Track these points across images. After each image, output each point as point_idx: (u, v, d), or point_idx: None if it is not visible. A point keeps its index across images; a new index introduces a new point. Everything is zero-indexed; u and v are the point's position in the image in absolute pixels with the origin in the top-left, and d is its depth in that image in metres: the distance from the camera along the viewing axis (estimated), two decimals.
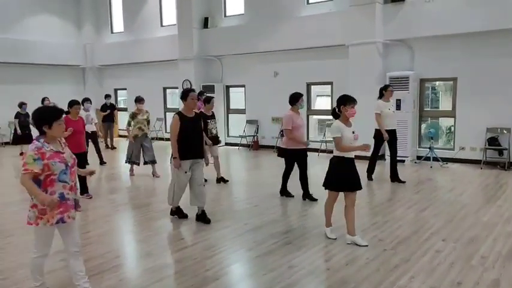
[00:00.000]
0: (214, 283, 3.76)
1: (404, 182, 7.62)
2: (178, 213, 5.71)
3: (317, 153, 10.83)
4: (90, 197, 6.88)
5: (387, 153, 8.55)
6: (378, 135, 7.49)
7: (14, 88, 14.15)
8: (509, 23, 8.48)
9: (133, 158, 8.55)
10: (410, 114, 9.71)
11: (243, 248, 4.62)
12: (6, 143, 13.58)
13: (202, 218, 5.52)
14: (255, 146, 12.62)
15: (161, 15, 14.96)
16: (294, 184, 6.68)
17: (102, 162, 10.07)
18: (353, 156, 4.63)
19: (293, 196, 6.69)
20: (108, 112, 13.04)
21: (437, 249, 4.45)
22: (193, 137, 5.35)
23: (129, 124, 8.52)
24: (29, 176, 3.08)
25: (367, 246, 4.52)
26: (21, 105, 11.94)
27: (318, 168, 7.89)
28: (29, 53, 14.41)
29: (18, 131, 11.75)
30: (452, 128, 9.94)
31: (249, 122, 12.95)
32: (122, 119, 16.06)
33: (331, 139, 4.74)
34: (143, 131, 8.48)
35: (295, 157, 6.43)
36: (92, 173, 3.81)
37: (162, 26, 14.91)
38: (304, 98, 6.75)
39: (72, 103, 6.79)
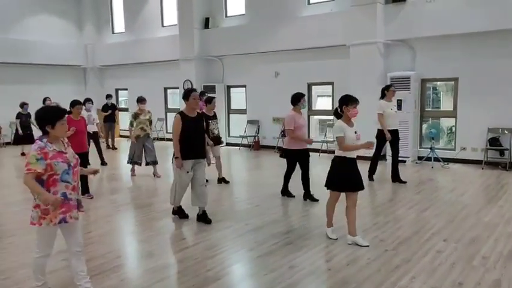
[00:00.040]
0: (215, 283, 3.77)
1: (405, 183, 7.61)
2: (179, 213, 5.72)
3: (318, 154, 10.82)
4: (92, 197, 6.89)
5: (388, 153, 8.54)
6: (380, 136, 7.48)
7: (15, 88, 14.17)
8: (510, 23, 8.47)
9: (135, 158, 8.56)
10: (412, 114, 9.70)
11: (244, 248, 4.62)
12: (7, 143, 13.60)
13: (204, 218, 5.52)
14: (256, 146, 12.62)
15: (162, 15, 14.98)
16: (295, 184, 6.68)
17: (103, 163, 10.07)
18: (355, 157, 4.63)
19: (294, 196, 6.69)
20: (110, 112, 13.06)
21: (439, 249, 4.44)
22: (195, 137, 5.34)
23: (131, 124, 8.52)
24: (32, 176, 3.08)
25: (368, 246, 4.52)
26: (23, 105, 11.95)
27: (319, 168, 7.89)
28: (30, 53, 14.43)
29: (20, 131, 11.77)
30: (454, 128, 9.93)
31: (250, 122, 12.95)
32: (123, 119, 16.12)
33: (332, 139, 4.74)
34: (145, 131, 8.48)
35: (297, 157, 6.43)
36: (95, 172, 3.81)
37: (163, 26, 14.92)
38: (306, 98, 6.75)
39: (74, 103, 6.80)
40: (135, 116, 8.45)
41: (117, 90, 16.82)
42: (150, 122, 8.63)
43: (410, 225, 5.30)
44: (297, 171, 6.56)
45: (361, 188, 4.63)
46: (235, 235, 5.04)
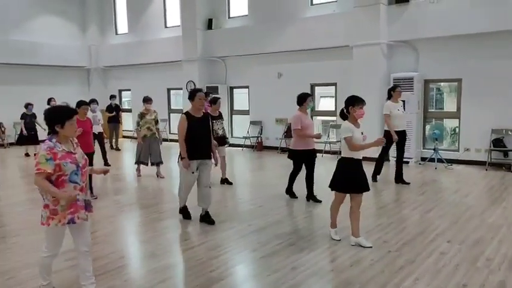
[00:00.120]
0: (218, 284, 3.77)
1: (408, 184, 7.59)
2: (183, 213, 5.72)
3: (321, 155, 10.81)
4: (95, 197, 6.91)
5: (392, 154, 8.51)
6: (388, 137, 7.42)
7: (19, 89, 14.25)
8: None
9: (142, 158, 8.57)
10: (415, 115, 9.68)
11: (247, 249, 4.62)
12: (12, 144, 13.66)
13: (207, 219, 5.52)
14: (259, 147, 12.62)
15: (165, 16, 15.03)
16: (298, 185, 6.68)
17: (106, 164, 10.09)
18: (361, 157, 4.61)
19: (297, 197, 6.68)
20: (114, 114, 13.11)
21: (442, 251, 4.43)
22: (201, 137, 5.32)
23: (137, 124, 8.53)
24: (42, 176, 3.09)
25: (371, 247, 4.51)
26: (27, 105, 12.00)
27: (321, 169, 7.88)
28: (34, 55, 14.52)
29: (24, 132, 11.81)
30: (457, 129, 9.90)
31: (252, 123, 12.96)
32: (126, 120, 16.18)
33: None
34: (152, 131, 8.49)
35: (304, 158, 6.40)
36: (106, 171, 3.78)
37: (166, 27, 14.97)
38: (312, 98, 6.72)
39: (80, 103, 6.83)
40: (141, 116, 8.46)
41: (120, 91, 16.88)
42: (157, 122, 8.63)
43: (414, 227, 5.29)
44: (302, 171, 6.55)
45: (367, 189, 4.61)
46: (238, 236, 5.04)
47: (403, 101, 9.27)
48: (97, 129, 9.63)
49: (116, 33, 16.73)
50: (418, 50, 9.94)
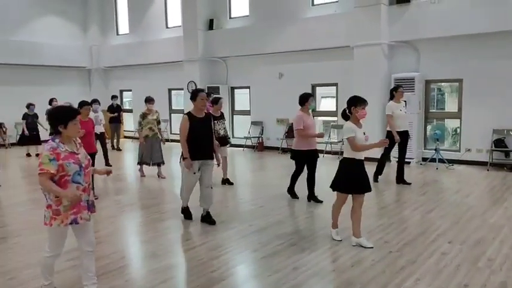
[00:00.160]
0: (219, 284, 3.77)
1: (409, 184, 7.58)
2: (185, 213, 5.72)
3: (322, 155, 10.79)
4: (96, 197, 6.90)
5: (393, 154, 8.50)
6: (390, 137, 7.39)
7: (20, 89, 14.27)
8: None
9: (144, 158, 8.58)
10: (416, 115, 9.67)
11: (248, 249, 4.62)
12: (13, 144, 13.69)
13: (207, 219, 5.53)
14: (260, 147, 12.62)
15: (166, 17, 15.03)
16: (299, 185, 6.68)
17: (107, 164, 10.09)
18: (363, 158, 4.60)
19: (298, 198, 6.68)
20: (116, 115, 13.13)
21: (444, 251, 4.42)
22: (203, 138, 5.32)
23: (139, 124, 8.53)
24: (46, 177, 3.09)
25: (372, 248, 4.50)
26: (29, 106, 12.01)
27: (322, 169, 7.86)
28: (35, 55, 14.54)
29: (26, 132, 11.82)
30: (458, 130, 9.89)
31: (253, 123, 12.96)
32: (127, 120, 16.19)
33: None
34: (153, 131, 8.50)
35: (306, 158, 6.39)
36: (109, 172, 3.77)
37: (167, 27, 14.98)
38: (313, 98, 6.72)
39: (82, 104, 6.83)
40: (144, 116, 8.47)
41: (121, 91, 16.89)
42: (158, 122, 8.64)
43: (415, 227, 5.28)
44: (304, 172, 6.55)
45: (369, 189, 4.60)
46: (239, 236, 5.05)
47: (405, 101, 9.28)
48: (99, 129, 9.64)
49: (117, 34, 16.74)
50: (419, 50, 9.93)
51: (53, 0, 15.56)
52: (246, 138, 12.70)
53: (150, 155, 8.53)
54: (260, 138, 12.69)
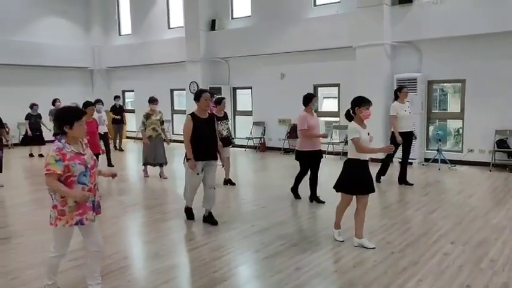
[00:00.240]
0: (222, 284, 3.77)
1: (412, 185, 7.57)
2: (187, 213, 5.73)
3: (324, 155, 10.77)
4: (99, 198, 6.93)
5: (396, 155, 8.47)
6: (395, 139, 7.38)
7: (23, 90, 14.30)
8: None
9: (148, 159, 8.59)
10: (418, 116, 9.65)
11: (251, 250, 4.63)
12: (16, 144, 13.72)
13: (210, 219, 5.53)
14: (262, 147, 12.63)
15: (168, 17, 15.06)
16: (302, 186, 6.68)
17: (109, 165, 10.12)
18: (367, 159, 4.59)
19: (300, 198, 6.68)
20: (119, 117, 13.17)
21: (446, 252, 4.42)
22: (206, 138, 5.31)
23: (143, 125, 8.53)
24: (53, 177, 3.09)
25: (374, 248, 4.50)
26: (32, 106, 12.04)
27: (325, 170, 7.85)
28: (38, 55, 14.57)
29: (29, 132, 11.86)
30: (461, 130, 9.87)
31: (255, 123, 12.96)
32: (130, 121, 16.20)
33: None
34: (157, 132, 8.51)
35: (310, 159, 6.38)
36: (114, 175, 3.75)
37: (169, 28, 15.00)
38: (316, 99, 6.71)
39: (87, 104, 6.85)
40: (147, 117, 8.47)
41: (123, 92, 16.92)
42: (162, 123, 8.65)
43: (418, 228, 5.27)
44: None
45: (372, 190, 4.59)
46: (241, 236, 5.05)
47: (407, 102, 9.28)
48: (102, 129, 9.66)
49: (119, 34, 16.77)
50: (422, 50, 9.91)
51: (55, 0, 15.60)
52: (248, 138, 12.71)
53: (154, 155, 8.54)
54: (262, 139, 12.69)
